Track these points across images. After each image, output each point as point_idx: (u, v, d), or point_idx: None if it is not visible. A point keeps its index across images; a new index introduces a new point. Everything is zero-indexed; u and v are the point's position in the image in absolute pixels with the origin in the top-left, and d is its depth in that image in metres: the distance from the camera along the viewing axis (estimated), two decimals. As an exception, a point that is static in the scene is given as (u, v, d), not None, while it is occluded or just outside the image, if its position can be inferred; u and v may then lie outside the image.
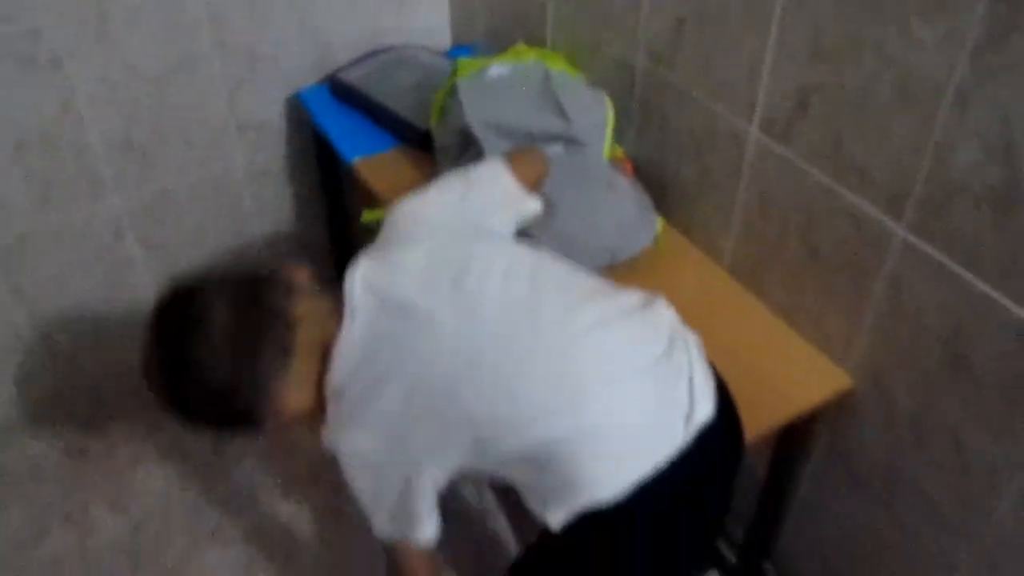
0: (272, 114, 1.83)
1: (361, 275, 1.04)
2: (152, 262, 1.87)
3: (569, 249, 1.23)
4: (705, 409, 1.02)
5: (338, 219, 1.98)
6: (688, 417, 1.00)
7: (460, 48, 1.95)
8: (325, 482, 1.79)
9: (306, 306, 1.02)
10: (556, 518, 0.99)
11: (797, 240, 1.26)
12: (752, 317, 1.36)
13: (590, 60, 1.55)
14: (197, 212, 1.87)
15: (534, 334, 1.00)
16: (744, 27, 1.21)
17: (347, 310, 1.01)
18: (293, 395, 1.01)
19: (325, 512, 1.74)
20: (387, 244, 1.11)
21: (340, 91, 1.76)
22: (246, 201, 1.91)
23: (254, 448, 1.85)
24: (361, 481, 1.06)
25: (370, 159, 1.63)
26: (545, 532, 1.03)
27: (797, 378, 1.27)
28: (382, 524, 1.08)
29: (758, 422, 1.18)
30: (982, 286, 1.01)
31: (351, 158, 1.64)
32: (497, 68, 1.45)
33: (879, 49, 1.02)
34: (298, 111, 1.83)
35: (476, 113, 1.38)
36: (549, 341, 1.00)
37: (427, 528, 1.07)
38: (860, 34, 1.03)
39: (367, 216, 1.49)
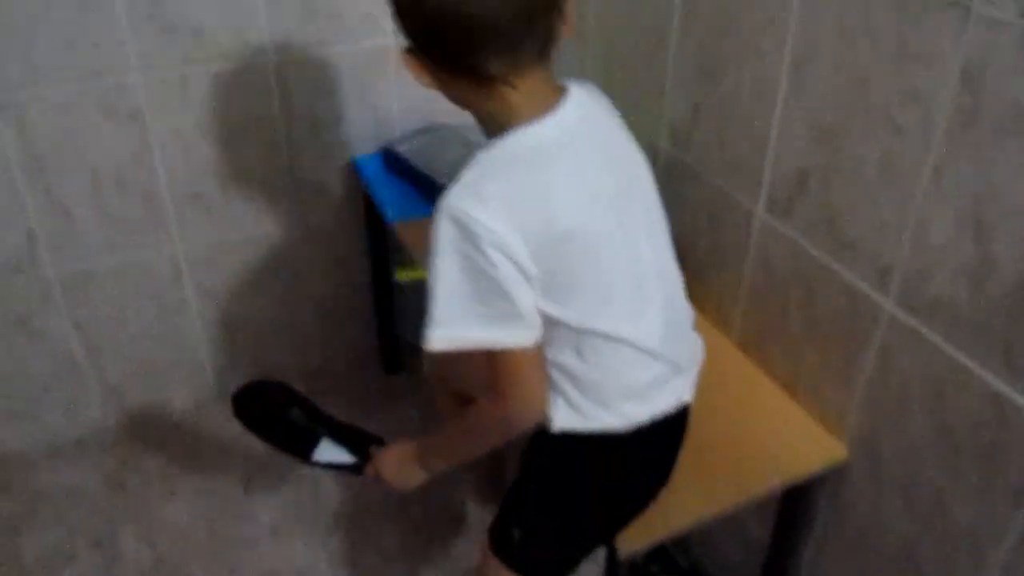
0: (329, 177, 1.98)
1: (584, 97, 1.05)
2: (205, 307, 2.01)
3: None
4: (688, 396, 1.18)
5: (382, 278, 2.10)
6: (680, 394, 1.16)
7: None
8: (344, 531, 1.86)
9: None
10: (562, 422, 1.10)
11: (798, 314, 1.33)
12: (756, 388, 1.43)
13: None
14: (252, 263, 2.01)
15: (647, 245, 1.11)
16: (752, 112, 1.32)
17: (567, 99, 1.02)
18: (472, 99, 1.01)
19: (341, 562, 1.80)
20: None
21: (391, 161, 1.90)
22: (299, 256, 2.05)
23: (280, 494, 1.94)
24: (461, 266, 0.97)
25: (411, 223, 1.75)
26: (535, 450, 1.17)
27: (794, 447, 1.32)
28: (478, 326, 0.99)
29: (754, 487, 1.27)
30: (960, 356, 1.07)
31: (392, 219, 1.77)
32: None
33: (866, 132, 1.12)
34: (353, 175, 1.97)
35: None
36: (646, 260, 1.11)
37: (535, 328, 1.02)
38: (851, 119, 1.13)
39: (400, 275, 1.60)
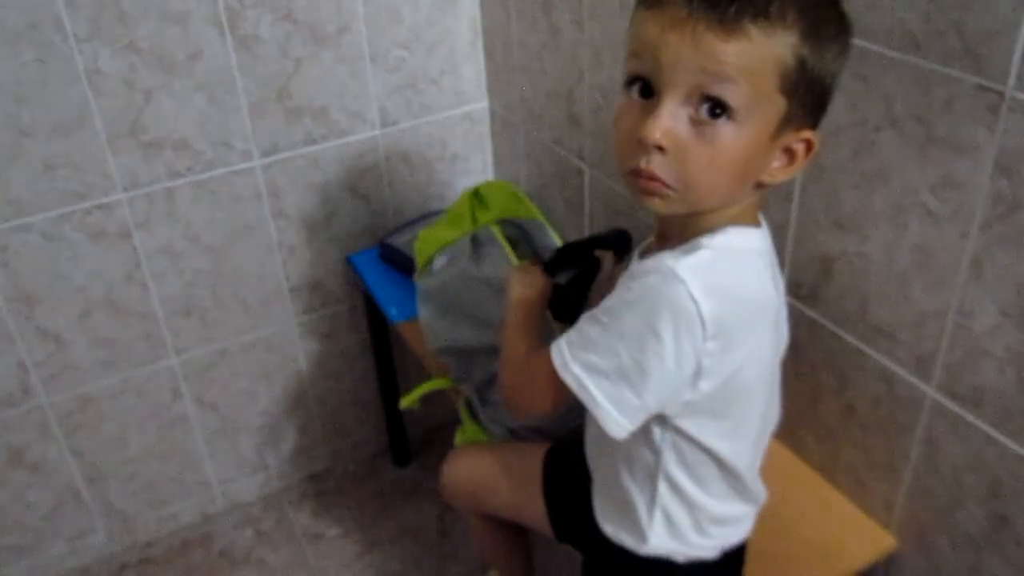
0: (325, 276, 1.92)
1: None
2: (206, 419, 1.94)
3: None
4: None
5: (387, 377, 2.04)
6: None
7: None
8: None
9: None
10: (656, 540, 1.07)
11: (832, 399, 1.28)
12: (792, 475, 1.37)
13: (628, 222, 1.62)
14: (251, 370, 1.94)
15: None
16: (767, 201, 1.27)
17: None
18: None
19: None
20: None
21: (388, 255, 1.85)
22: (299, 359, 1.99)
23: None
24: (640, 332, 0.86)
25: (415, 321, 1.69)
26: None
27: (841, 538, 1.26)
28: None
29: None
30: (1014, 446, 1.01)
31: (396, 319, 1.71)
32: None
33: (895, 219, 1.07)
34: (350, 272, 1.92)
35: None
36: None
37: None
38: (876, 205, 1.09)
39: (404, 402, 1.54)
